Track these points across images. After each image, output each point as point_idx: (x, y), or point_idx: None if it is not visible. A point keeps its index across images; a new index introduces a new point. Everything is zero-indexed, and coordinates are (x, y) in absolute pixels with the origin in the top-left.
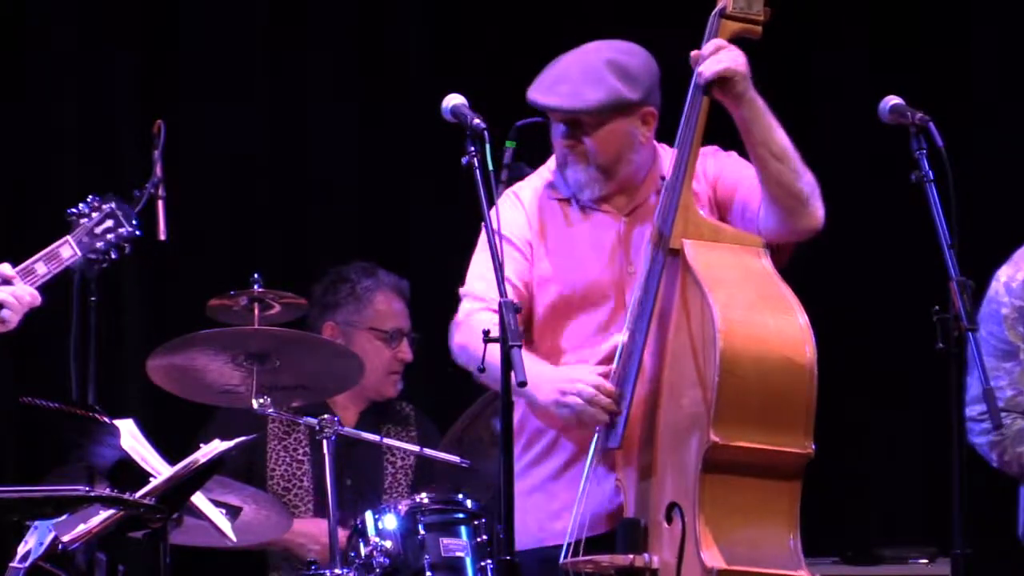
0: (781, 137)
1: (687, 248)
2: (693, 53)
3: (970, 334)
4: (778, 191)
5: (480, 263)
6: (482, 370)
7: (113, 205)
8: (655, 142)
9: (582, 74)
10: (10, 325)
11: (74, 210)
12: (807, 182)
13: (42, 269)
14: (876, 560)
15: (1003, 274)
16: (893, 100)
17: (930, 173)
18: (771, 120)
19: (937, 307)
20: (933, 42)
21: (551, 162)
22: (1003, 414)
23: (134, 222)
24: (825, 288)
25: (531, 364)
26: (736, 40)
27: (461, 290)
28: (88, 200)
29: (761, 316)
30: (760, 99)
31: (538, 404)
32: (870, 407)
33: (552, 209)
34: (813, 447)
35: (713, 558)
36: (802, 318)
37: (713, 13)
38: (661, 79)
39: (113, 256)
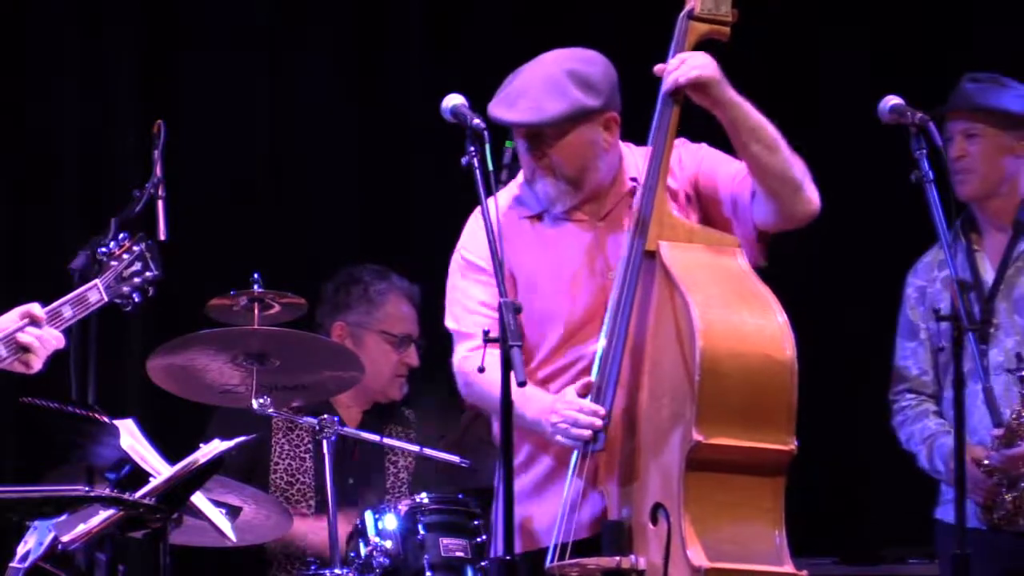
0: (769, 128)
1: (663, 250)
2: (657, 67)
3: (970, 334)
4: (774, 182)
5: (460, 293)
6: (482, 370)
7: (143, 247)
8: (620, 142)
9: (542, 87)
10: (34, 368)
11: (104, 250)
12: (799, 169)
13: (68, 313)
14: (875, 560)
15: (922, 258)
16: (893, 100)
17: (930, 173)
18: (756, 114)
19: (937, 307)
20: (934, 42)
21: (520, 177)
22: (909, 395)
23: (160, 265)
24: (825, 287)
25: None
26: (705, 42)
27: (450, 327)
28: (119, 238)
29: (739, 315)
30: (739, 96)
31: (526, 422)
32: (870, 407)
33: (522, 227)
34: (796, 444)
35: (699, 556)
36: (780, 316)
37: (681, 15)
38: (633, 77)
39: (136, 299)
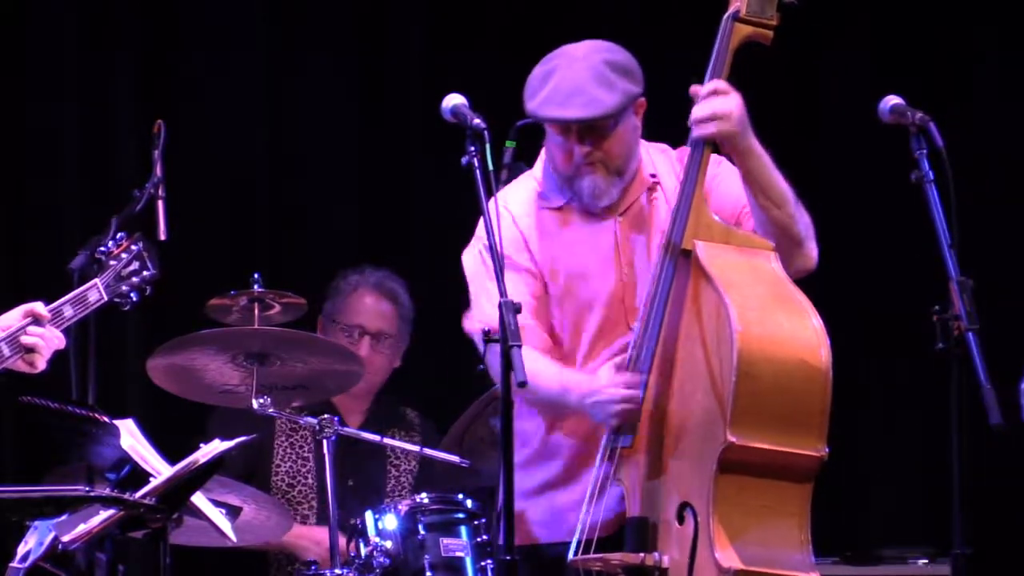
0: (780, 183)
1: (699, 249)
2: (693, 89)
3: (970, 333)
4: (776, 235)
5: (483, 289)
6: (482, 370)
7: (141, 245)
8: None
9: (591, 81)
10: (38, 368)
11: (103, 249)
12: (804, 224)
13: (69, 312)
14: (876, 560)
15: None
16: (893, 100)
17: (930, 173)
18: (770, 166)
19: (937, 307)
20: (934, 43)
21: (537, 170)
22: None
23: (157, 264)
24: (825, 287)
25: (563, 372)
26: (747, 44)
27: (479, 324)
28: (117, 237)
29: (776, 319)
30: (758, 145)
31: (570, 408)
32: (870, 406)
33: (544, 219)
34: (826, 450)
35: (729, 558)
36: (816, 321)
37: (725, 16)
38: (667, 76)
39: (134, 298)
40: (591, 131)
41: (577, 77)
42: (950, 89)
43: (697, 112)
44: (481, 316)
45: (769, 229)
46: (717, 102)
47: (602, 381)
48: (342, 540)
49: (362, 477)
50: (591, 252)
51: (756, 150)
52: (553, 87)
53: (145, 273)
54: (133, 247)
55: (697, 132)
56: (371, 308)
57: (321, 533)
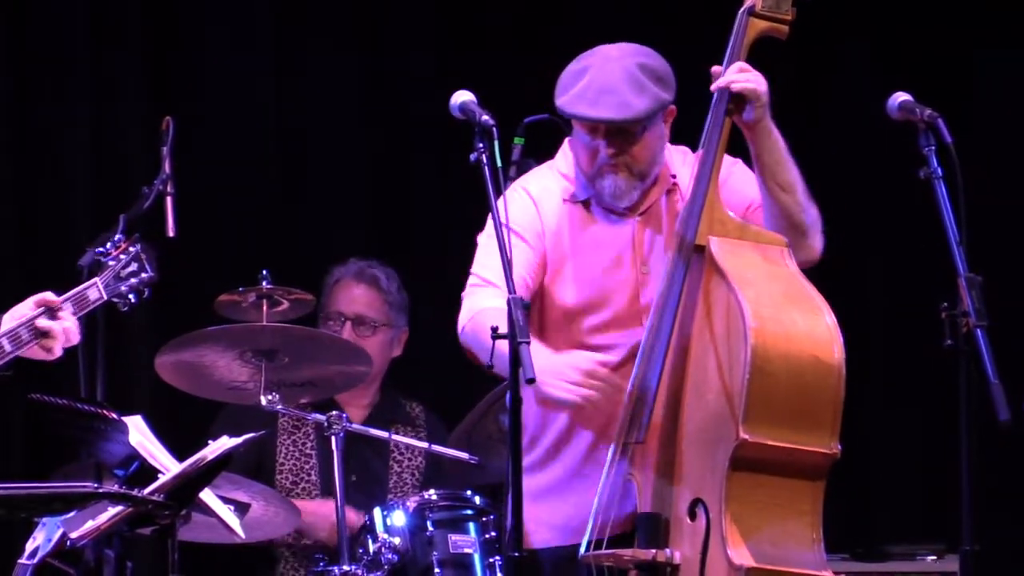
0: (791, 169)
1: (713, 245)
2: (715, 69)
3: (979, 330)
4: (781, 222)
5: (487, 249)
6: (490, 367)
7: (139, 247)
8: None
9: (624, 83)
10: (55, 354)
11: (101, 249)
12: (810, 216)
13: (69, 310)
14: (885, 557)
15: None
16: (902, 96)
17: (939, 170)
18: (783, 151)
19: (946, 303)
20: (936, 40)
21: (560, 162)
22: None
23: (155, 266)
24: (830, 285)
25: (536, 351)
26: (762, 40)
27: (474, 274)
28: (115, 239)
29: (790, 315)
30: (775, 129)
31: (541, 394)
32: (878, 403)
33: (566, 211)
34: (839, 448)
35: (741, 556)
36: (829, 318)
37: (741, 10)
38: (679, 78)
39: (133, 300)
40: (619, 134)
41: (610, 78)
42: (950, 89)
43: (728, 72)
44: (476, 270)
45: (776, 216)
46: (748, 68)
47: (577, 357)
48: (351, 514)
49: (365, 472)
50: (608, 248)
51: (773, 130)
52: (585, 85)
53: (143, 275)
54: (131, 248)
55: (724, 82)
56: (350, 295)
57: (328, 507)
